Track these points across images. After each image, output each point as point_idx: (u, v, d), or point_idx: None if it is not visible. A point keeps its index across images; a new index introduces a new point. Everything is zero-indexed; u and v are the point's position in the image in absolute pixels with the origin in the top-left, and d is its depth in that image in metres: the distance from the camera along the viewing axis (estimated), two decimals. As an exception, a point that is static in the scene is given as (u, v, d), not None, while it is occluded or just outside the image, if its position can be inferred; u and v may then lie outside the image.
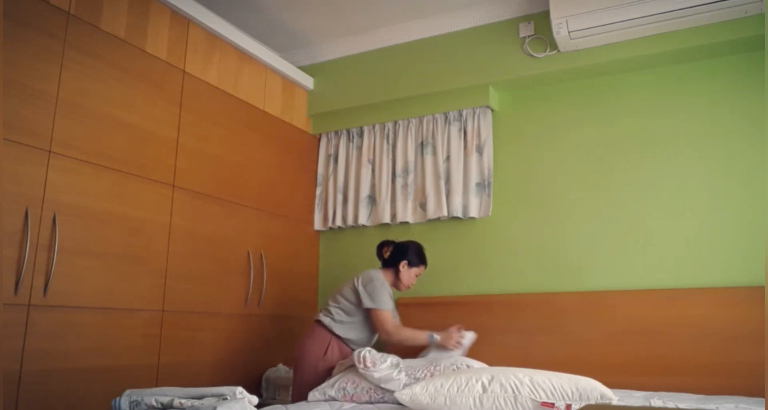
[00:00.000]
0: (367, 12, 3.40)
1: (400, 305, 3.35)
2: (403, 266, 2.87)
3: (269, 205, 3.36)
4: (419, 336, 2.75)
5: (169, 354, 2.67)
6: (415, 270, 2.90)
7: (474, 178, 3.27)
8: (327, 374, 2.64)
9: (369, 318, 2.75)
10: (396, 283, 2.89)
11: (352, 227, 3.62)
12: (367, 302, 2.71)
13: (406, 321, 3.27)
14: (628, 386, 2.58)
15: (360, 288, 2.74)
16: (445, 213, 3.28)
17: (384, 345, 2.93)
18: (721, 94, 2.87)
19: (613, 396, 1.92)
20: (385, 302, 2.73)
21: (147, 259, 2.60)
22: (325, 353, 2.68)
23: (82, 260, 2.34)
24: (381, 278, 2.80)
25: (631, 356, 2.71)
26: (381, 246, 3.00)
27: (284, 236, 3.46)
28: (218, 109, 3.07)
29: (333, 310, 2.76)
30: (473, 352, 2.85)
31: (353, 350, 2.72)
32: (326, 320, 2.74)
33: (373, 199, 3.57)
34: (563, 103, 3.22)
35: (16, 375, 2.08)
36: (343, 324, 2.74)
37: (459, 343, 2.77)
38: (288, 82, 3.62)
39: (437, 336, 2.76)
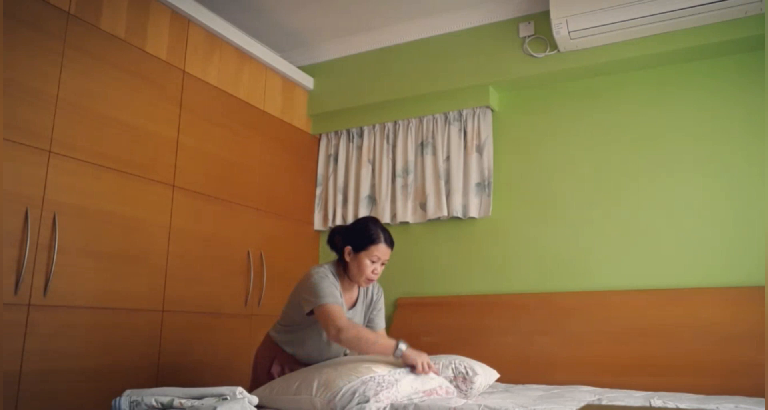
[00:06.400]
0: (367, 12, 3.40)
1: (399, 305, 3.35)
2: (348, 253, 2.18)
3: (269, 205, 3.36)
4: (383, 342, 2.02)
5: (169, 354, 2.67)
6: (364, 255, 2.14)
7: (474, 178, 3.27)
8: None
9: (317, 320, 2.11)
10: (351, 277, 2.21)
11: (352, 227, 3.61)
12: (307, 306, 2.08)
13: (405, 321, 3.27)
14: (628, 386, 2.58)
15: (297, 292, 2.19)
16: (445, 213, 3.28)
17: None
18: (722, 94, 2.87)
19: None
20: (329, 295, 2.06)
21: (147, 259, 2.60)
22: (269, 369, 2.26)
23: (82, 260, 2.34)
24: (322, 270, 2.16)
25: (631, 356, 2.70)
26: (333, 234, 2.29)
27: (284, 236, 3.45)
28: (218, 109, 3.07)
29: (278, 323, 2.32)
30: (474, 353, 2.82)
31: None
32: (272, 333, 2.32)
33: (373, 199, 3.56)
34: (563, 103, 3.22)
35: (16, 375, 2.08)
36: (287, 336, 2.26)
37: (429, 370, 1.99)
38: (288, 83, 3.62)
39: (403, 346, 1.99)
